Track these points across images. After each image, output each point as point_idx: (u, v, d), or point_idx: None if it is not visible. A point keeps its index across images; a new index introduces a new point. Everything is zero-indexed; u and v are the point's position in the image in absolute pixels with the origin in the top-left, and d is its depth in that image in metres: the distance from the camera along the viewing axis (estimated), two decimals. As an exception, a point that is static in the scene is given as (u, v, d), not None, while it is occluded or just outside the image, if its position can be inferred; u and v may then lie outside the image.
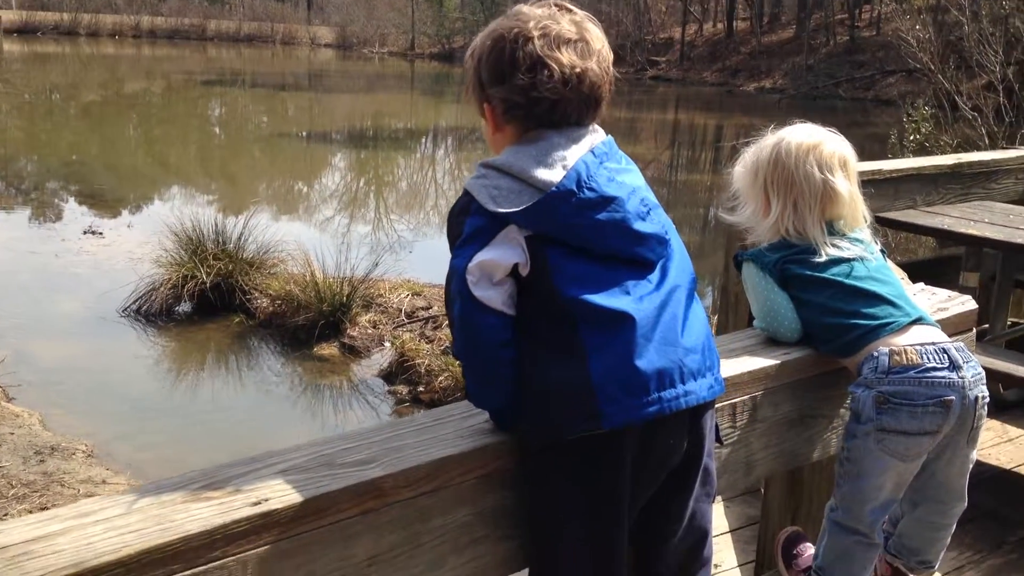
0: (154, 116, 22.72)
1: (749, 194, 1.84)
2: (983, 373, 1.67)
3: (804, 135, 1.79)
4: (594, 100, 1.41)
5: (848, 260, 1.73)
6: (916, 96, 8.31)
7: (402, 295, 7.41)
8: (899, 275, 2.19)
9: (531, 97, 1.37)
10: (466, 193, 1.38)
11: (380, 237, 10.36)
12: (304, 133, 20.61)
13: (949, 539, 1.80)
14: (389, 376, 6.35)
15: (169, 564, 1.10)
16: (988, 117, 6.68)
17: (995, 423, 3.97)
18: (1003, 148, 5.03)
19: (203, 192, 13.01)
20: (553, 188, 1.34)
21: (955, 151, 5.54)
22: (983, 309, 4.27)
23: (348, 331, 6.79)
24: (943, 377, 1.60)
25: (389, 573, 1.30)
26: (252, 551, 1.17)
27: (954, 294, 2.04)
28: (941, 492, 1.72)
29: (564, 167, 1.36)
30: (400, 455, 1.32)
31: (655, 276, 1.41)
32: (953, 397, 1.60)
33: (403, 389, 6.12)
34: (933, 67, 7.19)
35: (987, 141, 6.49)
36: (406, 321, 7.03)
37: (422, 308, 7.34)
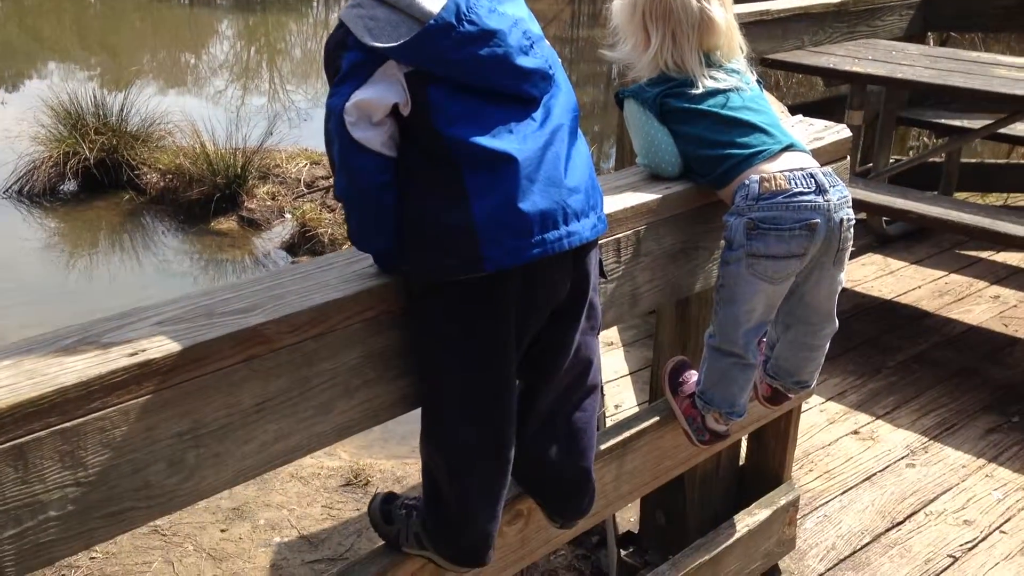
0: (20, -15, 21.09)
1: (628, 28, 1.82)
2: (849, 196, 1.72)
3: None
4: None
5: (724, 91, 1.74)
6: None
7: (300, 165, 7.22)
8: (778, 108, 2.22)
9: None
10: (341, 24, 1.31)
11: (276, 108, 9.99)
12: (186, -1, 19.47)
13: (822, 360, 1.89)
14: (292, 247, 6.26)
15: (45, 417, 1.08)
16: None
17: (878, 257, 4.16)
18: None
19: (83, 67, 12.24)
20: (431, 21, 1.28)
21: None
22: (868, 147, 4.42)
23: (246, 204, 6.62)
24: (809, 201, 1.64)
25: (278, 418, 1.31)
26: (133, 400, 1.15)
27: (831, 124, 2.08)
28: (810, 313, 1.79)
29: None
30: (282, 301, 1.31)
31: (539, 114, 1.38)
32: (819, 220, 1.65)
33: (307, 260, 6.06)
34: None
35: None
36: (306, 191, 6.88)
37: (322, 177, 7.17)
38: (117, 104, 7.21)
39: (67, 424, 1.11)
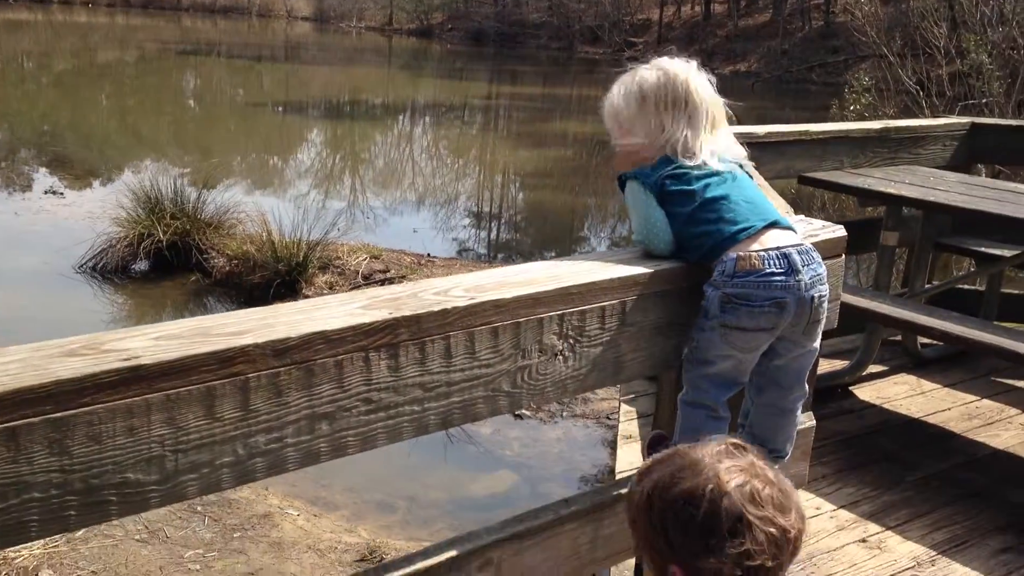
0: (127, 86, 22.58)
1: (637, 120, 1.93)
2: (823, 274, 1.82)
3: (680, 63, 1.91)
4: None
5: (719, 173, 1.86)
6: (886, 80, 8.37)
7: (360, 258, 7.51)
8: (783, 208, 2.32)
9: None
10: None
11: (355, 213, 10.42)
12: (280, 107, 20.57)
13: (794, 429, 1.95)
14: (343, 335, 6.43)
15: (41, 404, 1.21)
16: (931, 92, 6.83)
17: (911, 377, 4.14)
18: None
19: (175, 163, 12.97)
20: None
21: (893, 121, 5.67)
22: (909, 271, 4.44)
23: (304, 291, 6.89)
24: (780, 281, 1.75)
25: (257, 433, 1.41)
26: (121, 401, 1.28)
27: (828, 223, 2.17)
28: (781, 376, 1.87)
29: None
30: (272, 328, 1.43)
31: None
32: (788, 298, 1.76)
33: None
34: (878, 39, 7.32)
35: (928, 114, 6.65)
36: (362, 283, 7.13)
37: (379, 271, 7.44)
38: (195, 193, 7.64)
39: (59, 414, 1.23)
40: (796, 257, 1.77)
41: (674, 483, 1.23)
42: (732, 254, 1.77)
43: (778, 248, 1.77)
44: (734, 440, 1.29)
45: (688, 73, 1.92)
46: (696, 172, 1.87)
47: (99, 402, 1.26)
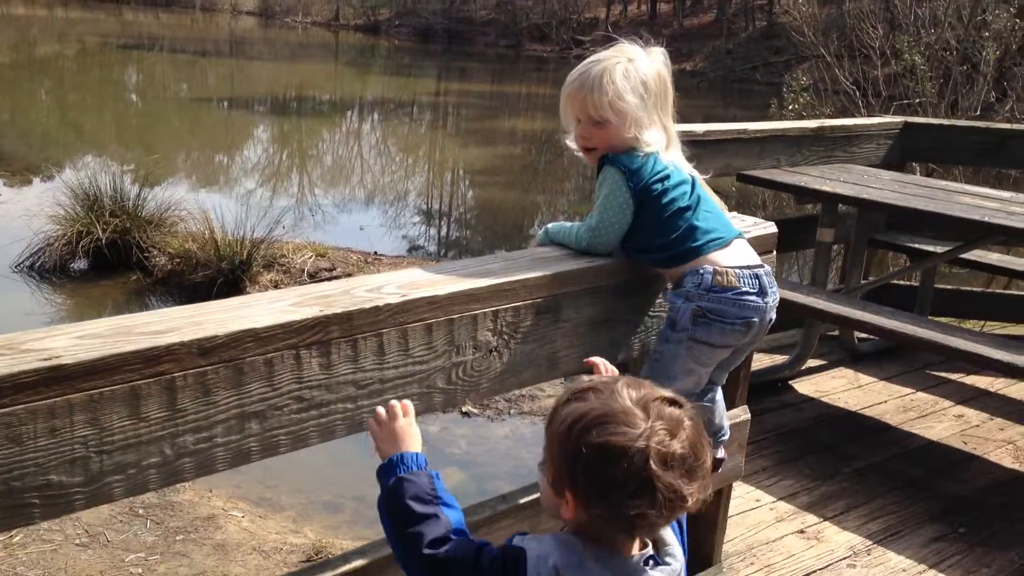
0: (68, 81, 22.07)
1: (640, 115, 1.81)
2: (778, 298, 1.88)
3: (656, 55, 1.84)
4: None
5: (688, 181, 1.86)
6: (824, 81, 8.51)
7: (306, 256, 7.43)
8: (720, 204, 2.36)
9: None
10: None
11: (303, 211, 10.31)
12: (225, 103, 20.28)
13: (723, 405, 2.02)
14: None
15: (-44, 407, 1.19)
16: (867, 92, 6.97)
17: (848, 371, 4.22)
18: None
19: (116, 160, 12.69)
20: None
21: (830, 120, 5.77)
22: (844, 268, 4.53)
23: (247, 290, 6.79)
24: (752, 301, 1.79)
25: (183, 434, 1.40)
26: (41, 401, 1.25)
27: (760, 220, 2.20)
28: (716, 376, 1.93)
29: None
30: (199, 326, 1.42)
31: None
32: (756, 319, 1.81)
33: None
34: (815, 40, 7.45)
35: (864, 114, 6.78)
36: (308, 281, 7.06)
37: (326, 269, 7.37)
38: (135, 190, 7.50)
39: (-24, 417, 1.20)
40: (765, 279, 1.82)
41: (600, 427, 1.18)
42: (708, 267, 1.78)
43: (749, 268, 1.80)
44: (671, 395, 1.23)
45: (666, 67, 1.86)
46: (674, 179, 1.83)
47: (19, 403, 1.24)
